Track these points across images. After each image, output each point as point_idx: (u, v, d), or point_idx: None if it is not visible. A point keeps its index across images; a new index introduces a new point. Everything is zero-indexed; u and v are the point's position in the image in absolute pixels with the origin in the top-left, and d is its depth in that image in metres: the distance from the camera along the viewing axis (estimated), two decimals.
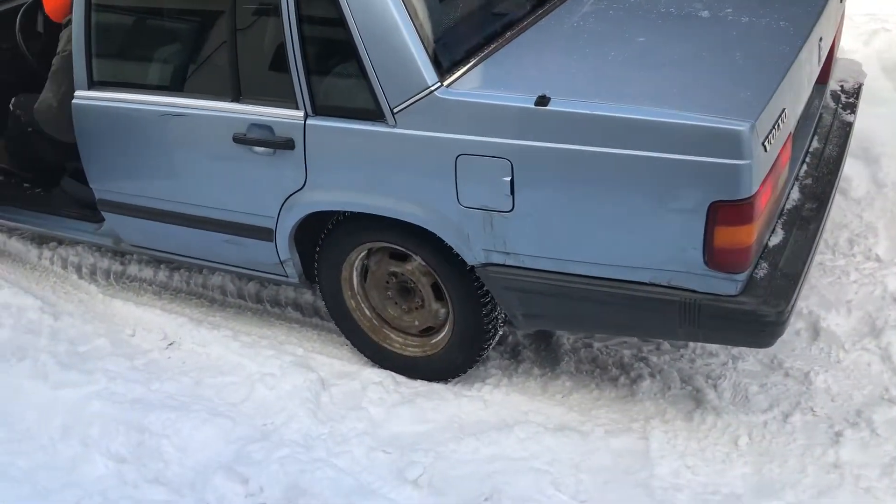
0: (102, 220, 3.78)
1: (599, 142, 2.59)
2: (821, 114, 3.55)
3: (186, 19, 3.45)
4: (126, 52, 3.52)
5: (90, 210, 3.82)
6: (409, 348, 3.40)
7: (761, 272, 2.74)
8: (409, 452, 3.11)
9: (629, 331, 3.21)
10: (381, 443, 3.18)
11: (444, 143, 2.75)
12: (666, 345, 3.46)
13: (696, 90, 2.67)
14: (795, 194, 3.14)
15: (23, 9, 4.11)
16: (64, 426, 3.41)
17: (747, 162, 2.45)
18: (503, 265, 2.89)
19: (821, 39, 3.15)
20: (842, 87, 3.86)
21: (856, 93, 3.80)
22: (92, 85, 3.42)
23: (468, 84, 2.77)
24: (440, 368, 3.36)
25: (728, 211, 2.52)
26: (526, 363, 3.49)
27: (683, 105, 2.56)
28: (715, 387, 3.27)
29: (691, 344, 3.43)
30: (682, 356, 3.42)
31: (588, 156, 2.61)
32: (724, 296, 2.67)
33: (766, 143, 2.52)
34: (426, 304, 3.26)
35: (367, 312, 3.42)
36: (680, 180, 2.55)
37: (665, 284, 2.71)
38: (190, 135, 3.27)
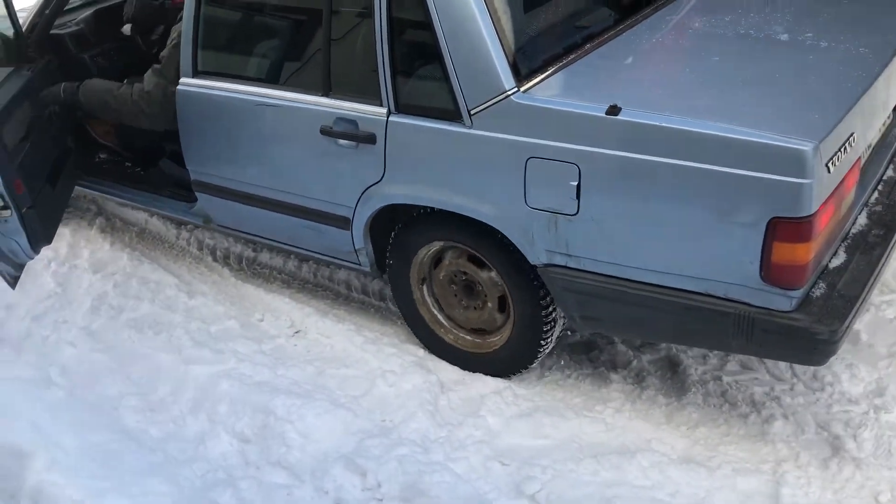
0: (195, 199, 4.62)
1: (666, 153, 3.04)
2: None
3: (285, 17, 4.23)
4: (228, 44, 4.35)
5: (185, 190, 4.67)
6: (503, 333, 3.96)
7: (818, 292, 3.13)
8: (527, 466, 3.53)
9: (684, 339, 3.64)
10: (498, 453, 3.62)
11: (515, 146, 3.30)
12: (801, 385, 3.75)
13: (766, 109, 3.11)
14: (863, 219, 3.52)
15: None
16: (194, 401, 4.01)
17: (809, 181, 2.84)
18: (564, 266, 3.41)
19: None
20: None
21: None
22: (196, 73, 4.27)
23: (544, 91, 3.32)
24: (524, 343, 3.86)
25: (787, 227, 2.91)
26: (650, 390, 3.90)
27: (751, 122, 2.98)
28: (854, 436, 3.48)
29: (828, 387, 3.70)
30: (817, 400, 3.68)
31: (654, 166, 3.06)
32: (779, 311, 3.07)
33: (829, 165, 2.91)
34: (489, 297, 3.87)
35: (467, 337, 4.06)
36: (742, 195, 2.96)
37: (721, 296, 3.13)
38: (281, 125, 4.03)
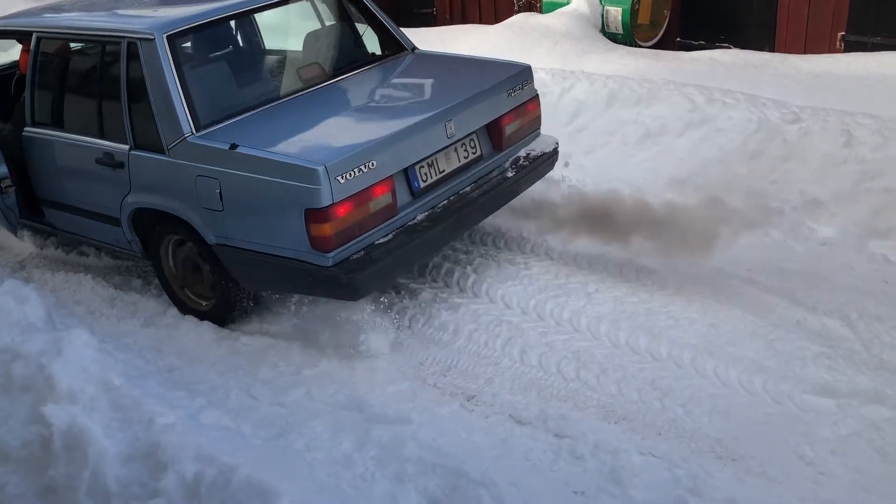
0: (44, 214, 6.51)
1: (258, 171, 4.93)
2: (492, 171, 5.77)
3: (76, 90, 6.09)
4: (47, 104, 6.14)
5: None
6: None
7: (357, 256, 4.92)
8: None
9: (292, 289, 5.47)
10: None
11: (191, 168, 5.22)
12: None
13: (316, 145, 5.11)
14: (422, 216, 5.28)
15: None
16: (379, 459, 4.22)
17: (319, 187, 4.69)
18: (224, 245, 5.25)
19: (450, 121, 5.34)
20: (527, 154, 6.00)
21: (534, 160, 6.00)
22: (34, 124, 6.20)
23: (209, 135, 5.22)
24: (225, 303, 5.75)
25: (314, 214, 4.76)
26: None
27: (300, 152, 4.94)
28: None
29: None
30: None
31: (252, 179, 4.94)
32: (323, 266, 4.87)
33: (339, 178, 4.75)
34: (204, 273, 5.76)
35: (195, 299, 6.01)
36: (292, 195, 4.81)
37: (296, 258, 4.95)
38: (76, 156, 5.94)
